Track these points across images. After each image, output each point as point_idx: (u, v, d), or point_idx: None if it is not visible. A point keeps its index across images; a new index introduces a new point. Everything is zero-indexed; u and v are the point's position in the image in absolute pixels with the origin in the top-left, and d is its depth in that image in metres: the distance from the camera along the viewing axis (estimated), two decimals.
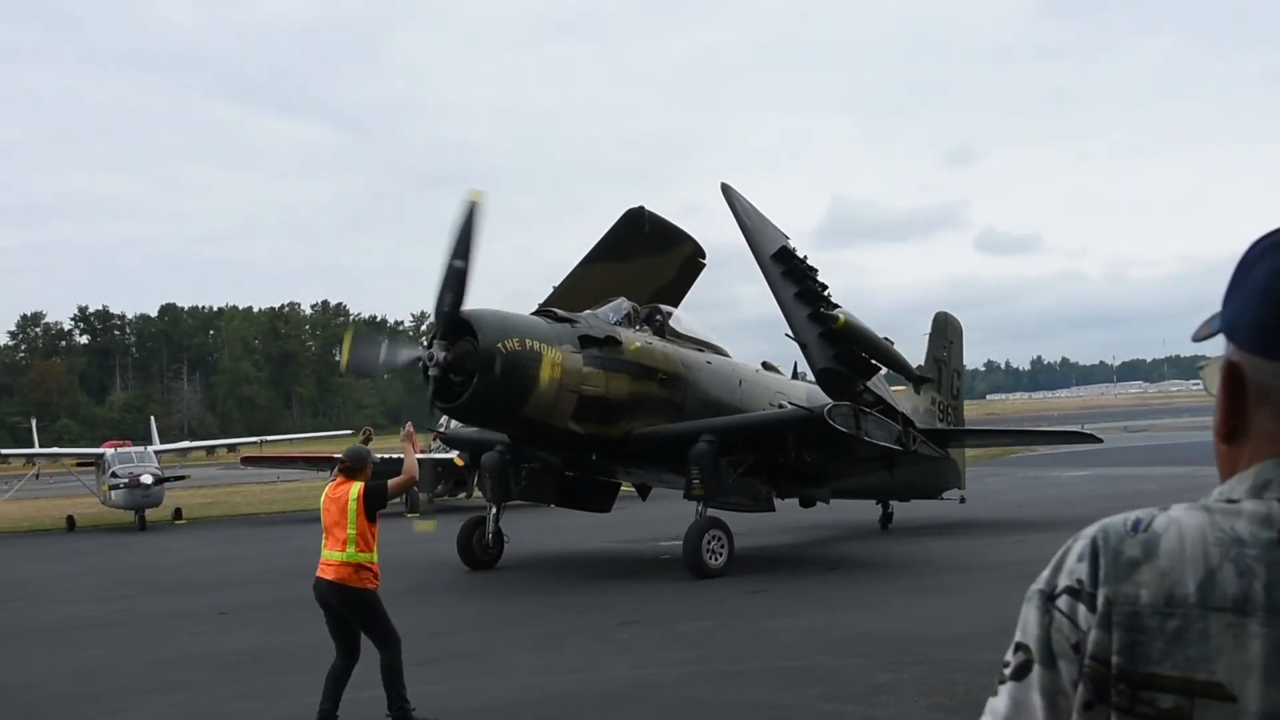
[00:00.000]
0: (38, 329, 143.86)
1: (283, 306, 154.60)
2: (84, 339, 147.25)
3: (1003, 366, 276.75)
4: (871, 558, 20.48)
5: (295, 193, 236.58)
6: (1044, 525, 23.47)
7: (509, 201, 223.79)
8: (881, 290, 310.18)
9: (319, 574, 9.67)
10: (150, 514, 33.67)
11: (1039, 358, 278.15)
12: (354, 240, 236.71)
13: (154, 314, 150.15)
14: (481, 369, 16.56)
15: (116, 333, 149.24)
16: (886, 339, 19.50)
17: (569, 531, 24.73)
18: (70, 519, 35.49)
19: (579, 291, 20.62)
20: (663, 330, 19.84)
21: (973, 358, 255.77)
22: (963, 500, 25.83)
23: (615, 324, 19.02)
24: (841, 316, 18.10)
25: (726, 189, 19.28)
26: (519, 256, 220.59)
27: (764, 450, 18.65)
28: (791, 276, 18.75)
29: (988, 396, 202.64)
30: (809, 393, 21.08)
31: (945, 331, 26.83)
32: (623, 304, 19.56)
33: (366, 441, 11.39)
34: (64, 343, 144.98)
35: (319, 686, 11.26)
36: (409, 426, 10.99)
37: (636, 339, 19.04)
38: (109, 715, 10.62)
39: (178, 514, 35.53)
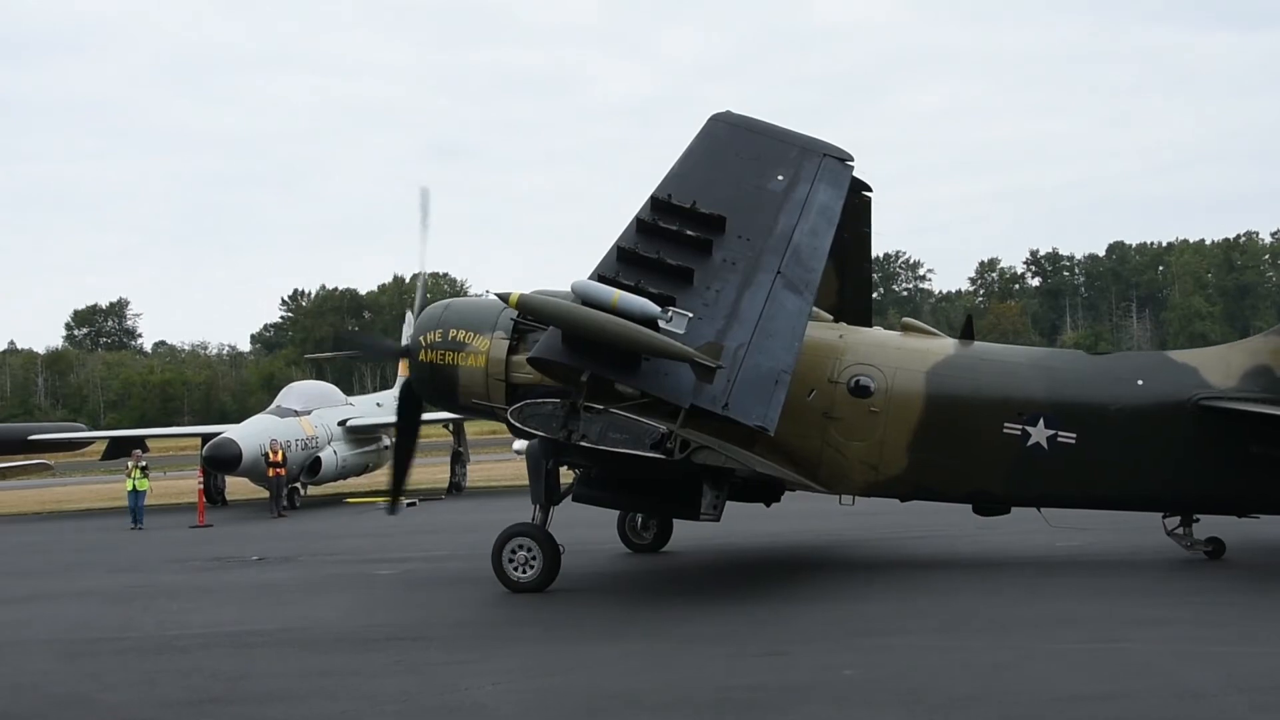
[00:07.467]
0: (994, 274, 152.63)
1: (1238, 236, 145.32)
2: (1035, 281, 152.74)
3: None
4: None
5: (1251, 113, 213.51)
6: None
7: None
8: None
9: None
10: None
11: None
12: None
13: (1101, 253, 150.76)
14: (411, 360, 17.61)
15: (1065, 274, 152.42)
16: (670, 312, 14.43)
17: None
18: None
19: None
20: None
21: None
22: None
23: None
24: (515, 293, 14.58)
25: (715, 120, 16.97)
26: None
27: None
28: (642, 231, 15.40)
29: None
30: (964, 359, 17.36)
31: None
32: None
33: None
34: (1017, 286, 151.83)
35: None
36: None
37: None
38: None
39: None
